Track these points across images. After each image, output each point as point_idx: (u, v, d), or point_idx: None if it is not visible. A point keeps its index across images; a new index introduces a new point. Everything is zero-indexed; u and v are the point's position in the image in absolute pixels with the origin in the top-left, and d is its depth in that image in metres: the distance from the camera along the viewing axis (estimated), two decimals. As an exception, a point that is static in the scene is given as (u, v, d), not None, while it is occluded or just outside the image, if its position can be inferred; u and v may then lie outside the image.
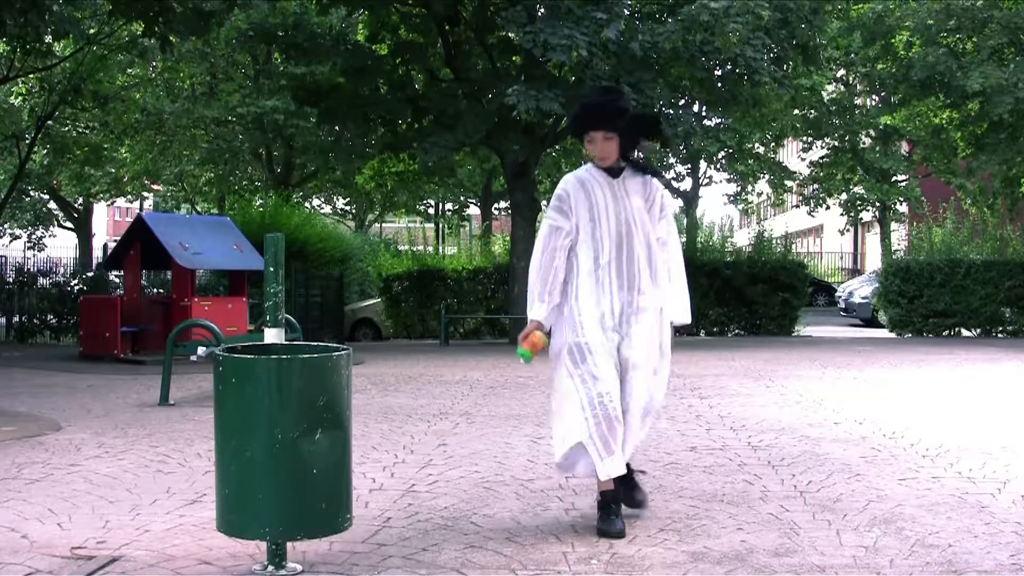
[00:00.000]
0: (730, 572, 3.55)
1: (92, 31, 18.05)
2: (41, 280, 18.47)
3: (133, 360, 12.94)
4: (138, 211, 32.90)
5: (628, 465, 4.18)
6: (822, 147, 32.26)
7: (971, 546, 3.87)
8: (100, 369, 11.86)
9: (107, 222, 57.07)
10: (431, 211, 36.19)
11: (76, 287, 17.77)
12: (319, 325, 17.32)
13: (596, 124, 4.12)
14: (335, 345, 3.75)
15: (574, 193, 4.16)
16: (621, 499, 4.13)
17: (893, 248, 21.59)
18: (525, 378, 10.45)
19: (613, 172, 4.18)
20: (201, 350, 8.08)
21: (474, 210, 35.75)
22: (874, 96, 30.81)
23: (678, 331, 4.39)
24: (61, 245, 33.57)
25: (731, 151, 31.74)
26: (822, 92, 29.28)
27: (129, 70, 23.07)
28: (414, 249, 20.34)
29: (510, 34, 15.05)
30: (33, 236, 32.65)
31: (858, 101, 31.79)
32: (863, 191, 31.90)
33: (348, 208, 35.33)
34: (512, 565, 3.63)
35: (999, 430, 6.73)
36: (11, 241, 31.55)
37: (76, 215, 32.00)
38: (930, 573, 3.55)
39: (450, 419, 7.36)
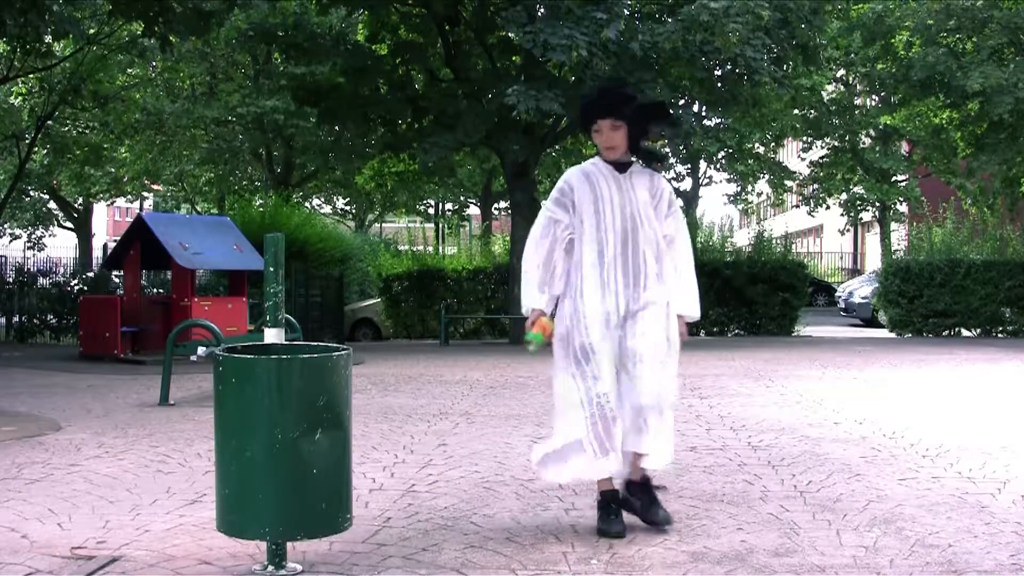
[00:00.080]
0: (730, 572, 3.55)
1: (92, 31, 18.05)
2: (41, 280, 18.47)
3: (133, 360, 12.94)
4: (138, 211, 32.90)
5: (648, 480, 4.08)
6: (822, 147, 32.27)
7: (971, 546, 3.87)
8: (100, 369, 11.85)
9: (107, 222, 57.08)
10: (431, 211, 36.20)
11: (76, 287, 17.77)
12: (319, 325, 17.32)
13: (603, 112, 4.05)
14: (335, 345, 3.75)
15: (578, 187, 4.09)
16: (644, 506, 4.02)
17: (893, 248, 21.58)
18: (525, 378, 10.45)
19: (620, 167, 4.11)
20: (201, 350, 8.08)
21: (474, 210, 35.76)
22: (874, 96, 30.82)
23: (689, 326, 4.31)
24: (61, 245, 33.56)
25: (731, 151, 31.76)
26: (822, 92, 29.29)
27: (129, 70, 23.07)
28: (414, 249, 20.34)
29: (510, 34, 15.06)
30: (33, 236, 32.66)
31: (858, 101, 31.81)
32: (863, 191, 31.92)
33: (348, 208, 35.34)
34: (512, 565, 3.63)
35: (999, 430, 6.73)
36: (11, 241, 31.54)
37: (76, 215, 32.00)
38: (930, 573, 3.55)
39: (450, 419, 7.36)
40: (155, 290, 17.15)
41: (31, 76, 20.27)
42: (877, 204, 32.70)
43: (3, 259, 18.69)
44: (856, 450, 5.94)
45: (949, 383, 9.92)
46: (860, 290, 24.01)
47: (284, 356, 3.46)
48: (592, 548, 3.86)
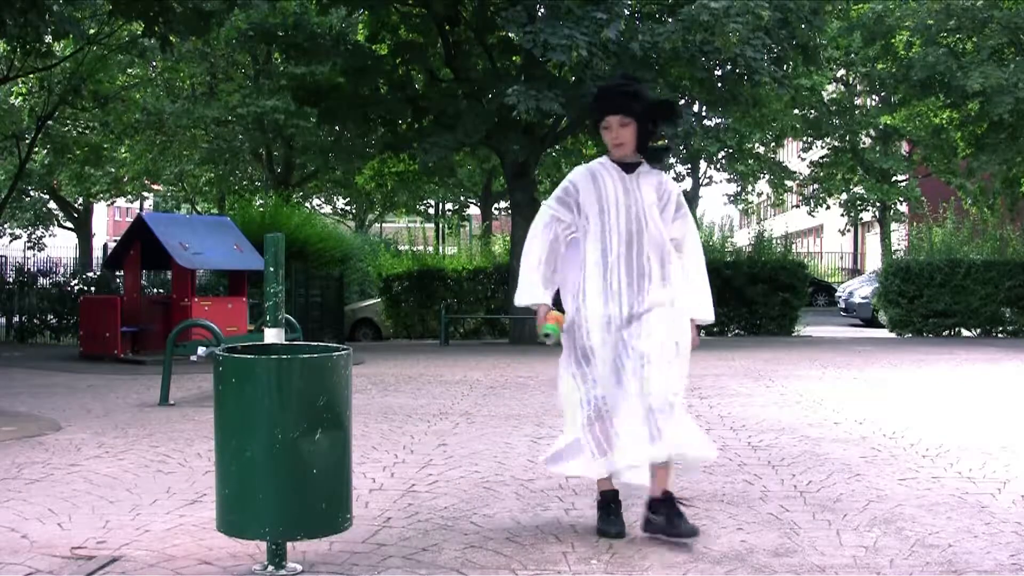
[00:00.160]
0: (730, 572, 3.55)
1: (92, 31, 18.05)
2: (41, 280, 18.47)
3: (133, 360, 12.94)
4: (138, 211, 32.91)
5: (670, 495, 3.90)
6: (822, 147, 32.27)
7: (971, 546, 3.87)
8: (100, 369, 11.85)
9: (107, 222, 57.07)
10: (431, 211, 36.20)
11: (76, 287, 17.77)
12: (319, 325, 17.32)
13: (612, 108, 3.97)
14: (335, 345, 3.75)
15: (583, 187, 4.02)
16: (668, 520, 3.86)
17: (893, 248, 21.58)
18: (525, 378, 10.45)
19: (627, 167, 4.03)
20: (201, 350, 8.08)
21: (474, 210, 35.75)
22: (874, 96, 30.82)
23: (701, 329, 4.21)
24: (61, 245, 33.56)
25: (731, 151, 31.76)
26: (822, 92, 29.29)
27: (129, 70, 23.07)
28: (414, 249, 20.34)
29: (510, 34, 15.05)
30: (33, 236, 32.65)
31: (858, 101, 31.80)
32: (863, 191, 31.91)
33: (348, 208, 35.33)
34: (512, 565, 3.63)
35: (999, 430, 6.73)
36: (11, 241, 31.54)
37: (76, 215, 32.00)
38: (930, 573, 3.55)
39: (450, 419, 7.36)
40: (155, 290, 17.15)
41: (31, 76, 20.28)
42: (877, 204, 32.70)
43: (3, 259, 18.69)
44: (856, 450, 5.94)
45: (949, 383, 9.92)
46: (860, 290, 24.01)
47: (284, 356, 3.46)
48: (592, 548, 3.86)
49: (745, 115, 20.06)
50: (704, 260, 4.18)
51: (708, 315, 4.10)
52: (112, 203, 39.56)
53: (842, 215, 34.77)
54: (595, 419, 3.92)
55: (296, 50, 16.82)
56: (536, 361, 12.66)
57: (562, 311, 4.07)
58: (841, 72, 30.29)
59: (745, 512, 4.42)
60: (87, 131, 23.56)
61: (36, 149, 23.19)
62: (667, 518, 3.84)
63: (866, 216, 36.44)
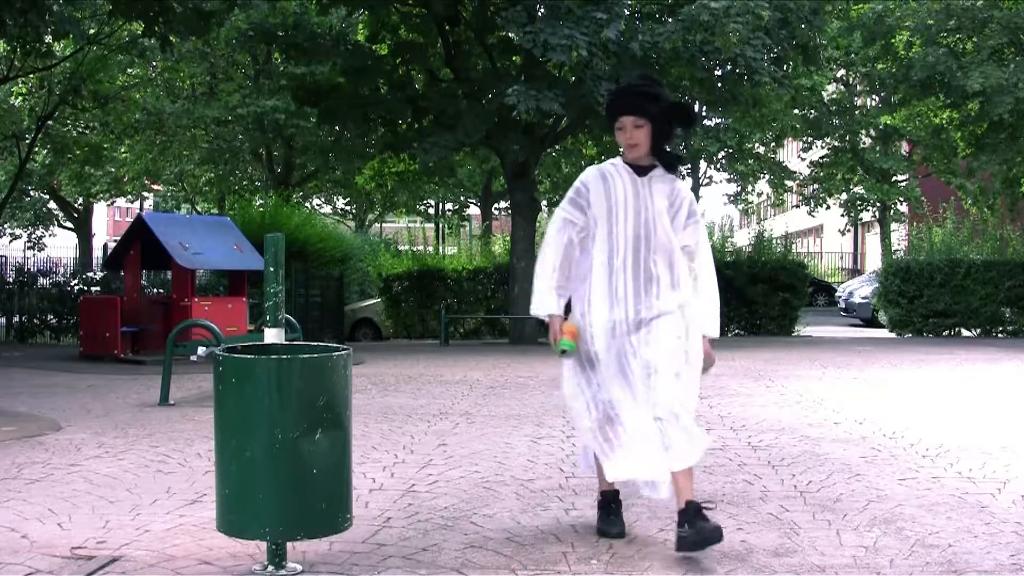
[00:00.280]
0: (730, 572, 3.55)
1: (92, 31, 18.05)
2: (41, 280, 18.47)
3: (133, 360, 12.94)
4: (138, 211, 32.91)
5: (693, 503, 3.70)
6: (822, 147, 32.28)
7: (971, 546, 3.87)
8: (100, 369, 11.85)
9: (107, 222, 57.07)
10: (431, 211, 36.20)
11: (76, 287, 17.77)
12: (319, 325, 17.32)
13: (627, 108, 3.86)
14: (335, 345, 3.75)
15: (594, 187, 3.92)
16: (698, 516, 3.67)
17: (893, 248, 21.59)
18: (525, 378, 10.45)
19: (640, 170, 3.91)
20: (201, 350, 8.08)
21: (474, 210, 35.75)
22: (874, 96, 30.82)
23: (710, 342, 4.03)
24: (61, 245, 33.56)
25: (731, 151, 31.77)
26: (822, 92, 29.28)
27: (129, 70, 23.07)
28: (414, 249, 20.34)
29: (510, 34, 15.05)
30: (33, 236, 32.64)
31: (858, 101, 31.80)
32: (863, 191, 31.92)
33: (348, 208, 35.33)
34: (512, 565, 3.63)
35: (999, 430, 6.73)
36: (11, 241, 31.54)
37: (76, 215, 32.00)
38: (930, 573, 3.55)
39: (450, 419, 7.36)
40: (155, 290, 17.15)
41: (31, 76, 20.27)
42: (877, 204, 32.70)
43: (3, 259, 18.68)
44: (856, 450, 5.95)
45: (949, 383, 9.92)
46: (860, 290, 24.01)
47: (284, 356, 3.46)
48: (592, 548, 3.86)
49: (745, 115, 20.07)
50: (715, 272, 4.04)
51: (714, 331, 3.96)
52: (112, 203, 39.57)
53: (842, 215, 34.78)
54: (604, 422, 3.86)
55: (296, 50, 16.82)
56: (536, 361, 12.66)
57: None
58: (841, 72, 30.28)
59: (745, 512, 4.42)
60: (87, 131, 23.55)
61: (36, 149, 23.19)
62: (690, 524, 3.64)
63: (866, 216, 36.45)
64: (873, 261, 35.74)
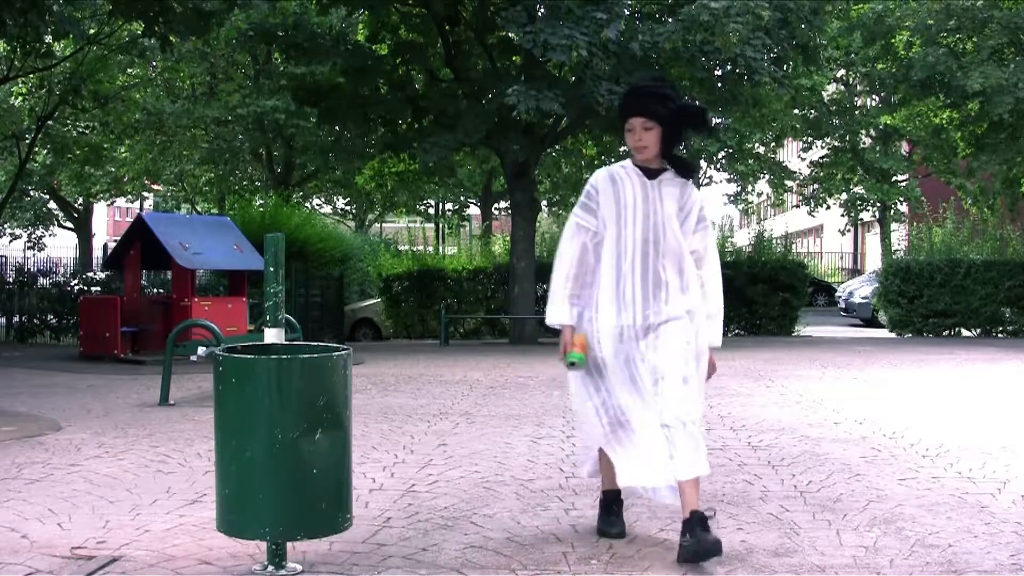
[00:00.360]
0: (730, 572, 3.55)
1: (92, 31, 18.04)
2: (41, 280, 18.47)
3: (133, 360, 12.94)
4: (138, 211, 32.91)
5: (698, 513, 3.64)
6: (822, 147, 32.27)
7: (971, 546, 3.87)
8: (100, 369, 11.85)
9: (107, 222, 57.08)
10: (431, 211, 36.19)
11: (76, 287, 17.77)
12: (319, 325, 17.32)
13: (636, 110, 3.80)
14: (335, 345, 3.75)
15: (603, 189, 3.85)
16: (699, 526, 3.62)
17: (893, 248, 21.58)
18: (525, 378, 10.45)
19: (650, 173, 3.85)
20: (201, 350, 8.08)
21: (474, 210, 35.75)
22: (874, 96, 30.81)
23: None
24: (61, 245, 33.57)
25: (731, 151, 31.75)
26: (822, 92, 29.27)
27: (129, 70, 23.07)
28: (414, 249, 20.34)
29: (510, 34, 15.05)
30: (33, 236, 32.64)
31: (858, 101, 31.79)
32: (863, 191, 31.91)
33: (348, 208, 35.33)
34: (512, 565, 3.63)
35: (999, 430, 6.73)
36: (11, 241, 31.54)
37: (76, 215, 32.00)
38: (930, 573, 3.55)
39: (450, 419, 7.36)
40: (155, 290, 17.15)
41: (31, 76, 20.27)
42: (877, 204, 32.70)
43: (3, 259, 18.68)
44: (856, 450, 5.95)
45: (949, 383, 9.92)
46: (860, 290, 24.01)
47: (284, 356, 3.46)
48: (592, 548, 3.86)
49: (745, 115, 20.06)
50: (721, 280, 3.96)
51: (716, 341, 3.89)
52: (112, 203, 39.57)
53: (842, 215, 34.77)
54: (616, 427, 3.83)
55: (296, 50, 16.82)
56: (536, 361, 12.66)
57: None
58: (841, 72, 30.27)
59: (745, 512, 4.42)
60: (87, 131, 23.55)
61: (36, 149, 23.18)
62: (692, 534, 3.60)
63: (866, 216, 36.45)
64: (873, 261, 35.74)
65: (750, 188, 37.78)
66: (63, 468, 5.47)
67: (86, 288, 17.58)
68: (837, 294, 27.19)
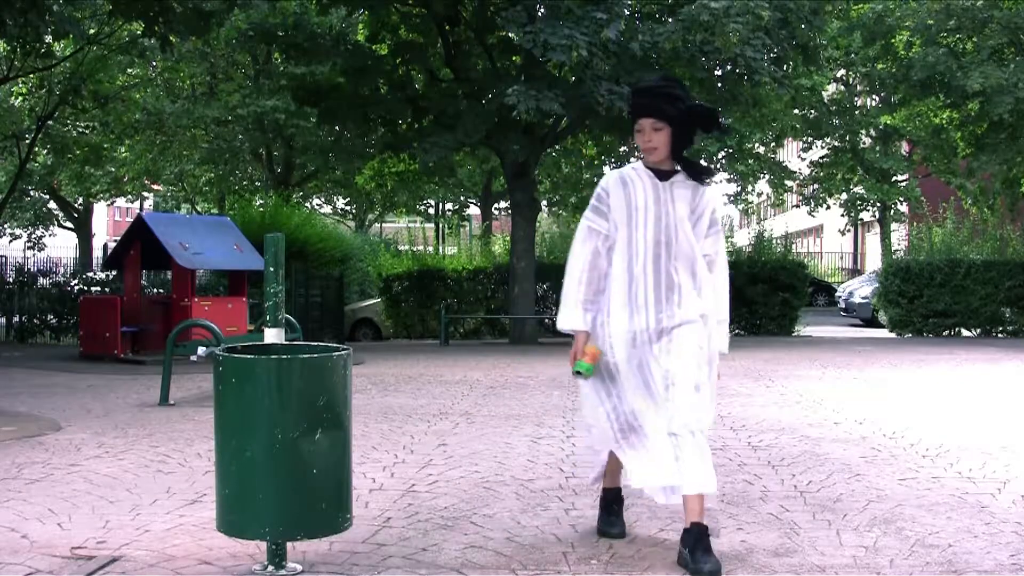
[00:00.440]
0: (730, 572, 3.55)
1: (92, 31, 18.05)
2: (41, 280, 18.47)
3: (133, 360, 12.94)
4: (138, 211, 32.91)
5: (699, 526, 3.60)
6: (822, 147, 32.27)
7: (971, 546, 3.87)
8: (100, 369, 11.86)
9: (107, 222, 57.10)
10: (431, 211, 36.19)
11: (76, 287, 17.77)
12: (319, 325, 17.32)
13: (645, 110, 3.73)
14: (335, 345, 3.75)
15: (614, 191, 3.78)
16: (692, 552, 3.56)
17: (893, 248, 21.58)
18: (525, 378, 10.45)
19: (662, 174, 3.78)
20: (201, 350, 8.08)
21: (474, 210, 35.75)
22: (874, 96, 30.81)
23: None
24: (61, 245, 33.57)
25: (731, 151, 31.75)
26: (822, 92, 29.28)
27: (129, 70, 23.07)
28: (414, 249, 20.34)
29: (510, 34, 15.05)
30: (33, 236, 32.65)
31: (858, 101, 31.79)
32: (863, 191, 31.91)
33: (348, 208, 35.33)
34: (512, 565, 3.63)
35: (999, 430, 6.73)
36: (11, 241, 31.54)
37: (76, 215, 32.01)
38: (930, 573, 3.55)
39: (450, 419, 7.36)
40: (155, 290, 17.15)
41: (31, 76, 20.27)
42: (877, 204, 32.70)
43: (3, 259, 18.68)
44: (856, 450, 5.95)
45: (949, 383, 9.92)
46: (860, 290, 24.01)
47: (284, 356, 3.46)
48: (592, 548, 3.86)
49: (745, 115, 20.06)
50: (728, 284, 3.92)
51: (723, 347, 3.84)
52: (112, 203, 39.58)
53: (842, 215, 34.77)
54: (628, 432, 3.80)
55: (296, 50, 16.82)
56: (536, 361, 12.66)
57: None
58: (841, 72, 30.27)
59: (745, 512, 4.42)
60: (87, 131, 23.55)
61: (36, 149, 23.19)
62: (691, 551, 3.55)
63: (866, 216, 36.44)
64: (873, 261, 35.74)
65: (750, 188, 37.77)
66: (63, 468, 5.47)
67: (86, 288, 17.58)
68: (837, 294, 27.19)
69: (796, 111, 28.16)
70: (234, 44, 20.90)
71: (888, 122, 29.19)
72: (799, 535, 4.03)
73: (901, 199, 31.41)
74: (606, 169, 26.85)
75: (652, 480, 3.75)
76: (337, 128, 19.32)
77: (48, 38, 15.39)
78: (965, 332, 17.75)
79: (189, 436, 6.58)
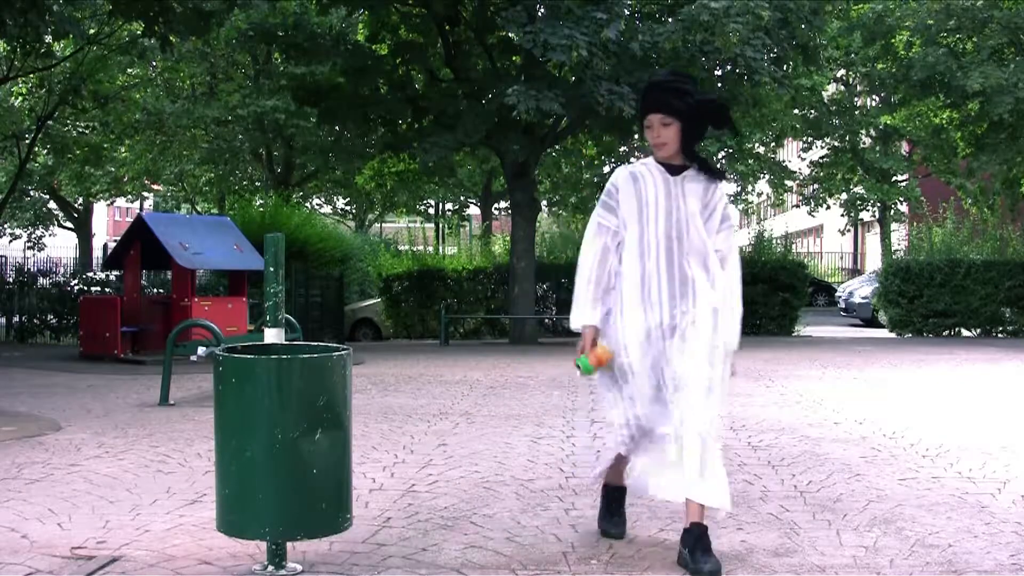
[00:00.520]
0: (730, 572, 3.55)
1: (92, 31, 18.05)
2: (41, 280, 18.47)
3: (133, 360, 12.94)
4: (138, 211, 32.91)
5: (699, 527, 3.59)
6: (822, 147, 32.28)
7: (971, 546, 3.87)
8: (100, 369, 11.85)
9: (107, 222, 57.09)
10: (431, 211, 36.19)
11: (76, 287, 17.77)
12: (319, 325, 17.32)
13: (654, 105, 3.68)
14: (335, 345, 3.75)
15: (623, 187, 3.75)
16: (692, 553, 3.56)
17: (893, 248, 21.59)
18: (525, 378, 10.45)
19: (673, 169, 3.74)
20: (201, 350, 8.08)
21: (474, 210, 35.74)
22: (874, 96, 30.81)
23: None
24: (61, 245, 33.57)
25: (731, 151, 31.75)
26: (822, 92, 29.28)
27: (129, 70, 23.07)
28: (414, 249, 20.34)
29: (510, 34, 15.05)
30: (33, 236, 32.66)
31: (858, 101, 31.79)
32: (863, 191, 31.91)
33: (348, 208, 35.34)
34: (512, 565, 3.63)
35: (999, 430, 6.73)
36: (11, 241, 31.54)
37: (76, 215, 32.01)
38: (930, 573, 3.55)
39: (450, 419, 7.36)
40: (155, 290, 17.15)
41: (31, 76, 20.27)
42: (877, 204, 32.70)
43: (3, 259, 18.68)
44: (856, 450, 5.95)
45: (949, 383, 9.92)
46: (860, 290, 24.02)
47: (284, 356, 3.46)
48: (592, 548, 3.86)
49: (745, 115, 20.05)
50: (740, 282, 3.86)
51: (735, 344, 3.80)
52: (112, 203, 39.57)
53: (842, 215, 34.77)
54: (638, 436, 3.76)
55: (296, 50, 16.82)
56: (536, 361, 12.67)
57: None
58: (841, 72, 30.27)
59: (745, 512, 4.42)
60: (87, 131, 23.56)
61: (36, 149, 23.19)
62: (691, 551, 3.54)
63: (866, 216, 36.44)
64: (873, 261, 35.74)
65: (750, 188, 37.77)
66: (63, 468, 5.47)
67: (86, 288, 17.58)
68: (837, 294, 27.19)
69: (796, 111, 28.16)
70: (234, 44, 20.91)
71: (888, 122, 29.19)
72: (799, 535, 4.03)
73: (901, 199, 31.41)
74: (606, 169, 26.88)
75: (668, 493, 3.73)
76: (337, 128, 19.33)
77: (48, 38, 15.40)
78: (965, 332, 17.75)
79: (189, 436, 6.58)
